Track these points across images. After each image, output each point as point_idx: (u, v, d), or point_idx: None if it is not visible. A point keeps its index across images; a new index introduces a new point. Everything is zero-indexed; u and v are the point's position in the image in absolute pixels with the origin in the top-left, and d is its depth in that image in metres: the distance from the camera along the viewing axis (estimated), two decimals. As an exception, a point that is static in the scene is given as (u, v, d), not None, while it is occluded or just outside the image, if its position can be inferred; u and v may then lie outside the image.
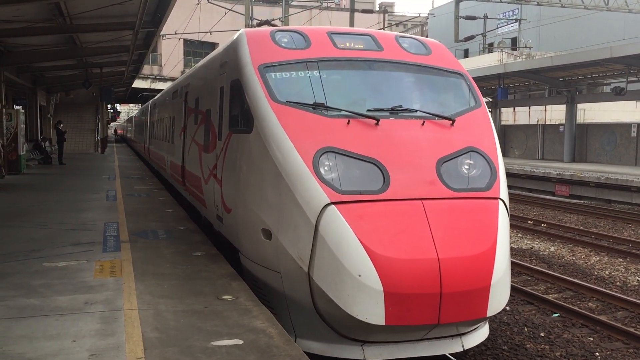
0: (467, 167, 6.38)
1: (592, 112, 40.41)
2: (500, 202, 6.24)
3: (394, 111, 6.69)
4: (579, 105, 34.46)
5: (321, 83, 6.83)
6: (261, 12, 45.75)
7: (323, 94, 6.65)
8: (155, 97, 24.35)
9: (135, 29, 17.22)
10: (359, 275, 5.37)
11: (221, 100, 8.39)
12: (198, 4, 25.21)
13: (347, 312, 5.43)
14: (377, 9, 55.27)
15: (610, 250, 14.20)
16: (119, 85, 40.08)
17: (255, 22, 23.03)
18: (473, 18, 29.01)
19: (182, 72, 50.91)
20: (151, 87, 49.55)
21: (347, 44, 7.34)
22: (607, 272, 12.18)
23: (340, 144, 6.11)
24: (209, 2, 25.49)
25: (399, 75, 7.27)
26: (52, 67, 26.49)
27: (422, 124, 6.59)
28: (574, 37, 49.04)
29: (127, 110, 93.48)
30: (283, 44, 7.16)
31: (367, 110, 6.61)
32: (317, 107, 6.47)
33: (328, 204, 5.69)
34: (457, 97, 7.34)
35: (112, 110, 59.09)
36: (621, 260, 13.29)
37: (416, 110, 6.80)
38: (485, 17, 32.32)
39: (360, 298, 5.38)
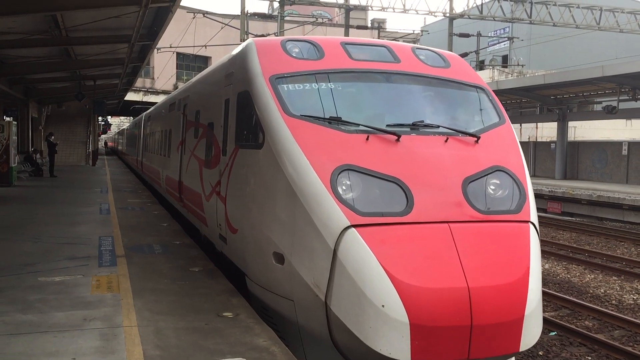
0: (494, 187, 5.94)
1: (583, 130, 40.79)
2: (531, 226, 5.79)
3: (415, 127, 6.25)
4: (570, 123, 34.77)
5: (336, 96, 6.45)
6: (255, 27, 45.83)
7: (339, 108, 6.25)
8: (150, 110, 24.09)
9: (131, 42, 17.19)
10: (383, 306, 4.90)
11: (226, 113, 7.99)
12: (193, 17, 25.27)
13: (369, 346, 4.95)
14: (370, 25, 55.58)
15: (604, 268, 14.24)
16: (111, 97, 39.94)
17: (250, 36, 23.11)
18: (467, 35, 29.26)
19: (175, 85, 50.94)
20: (143, 100, 49.42)
21: (362, 55, 6.97)
22: (602, 290, 12.19)
23: (360, 162, 5.68)
24: (204, 16, 25.57)
25: (418, 89, 6.86)
26: (45, 79, 26.38)
27: (446, 141, 6.15)
28: (564, 56, 49.58)
29: (117, 123, 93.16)
30: (295, 55, 6.79)
31: (387, 125, 6.18)
32: (333, 121, 6.05)
33: (348, 227, 5.24)
34: (480, 112, 6.92)
35: (103, 123, 58.92)
36: (616, 278, 13.32)
37: (438, 126, 6.33)
38: (479, 34, 32.59)
39: (383, 331, 4.90)
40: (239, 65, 7.50)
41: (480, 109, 6.95)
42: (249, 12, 24.95)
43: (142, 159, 23.76)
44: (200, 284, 7.44)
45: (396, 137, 5.97)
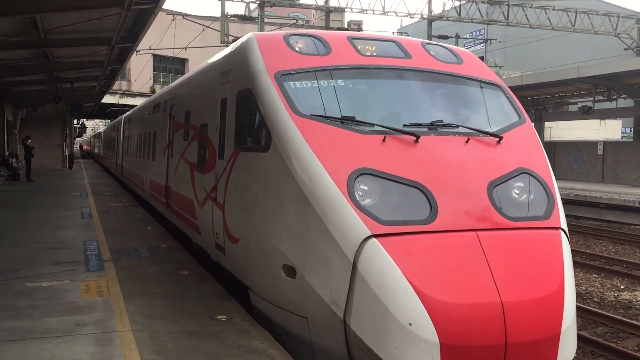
0: (520, 191, 5.54)
1: (558, 130, 41.42)
2: (562, 233, 5.40)
3: (434, 126, 5.83)
4: (546, 124, 35.27)
5: (347, 94, 6.05)
6: (232, 29, 45.69)
7: (351, 107, 5.84)
8: (131, 111, 23.62)
9: (111, 44, 17.04)
10: (410, 324, 4.46)
11: (223, 114, 7.49)
12: (173, 19, 25.13)
13: None
14: (347, 26, 55.71)
15: (584, 266, 14.47)
16: (88, 100, 39.50)
17: (230, 38, 23.05)
18: (445, 37, 29.56)
19: (152, 88, 50.49)
20: (120, 103, 48.90)
21: (371, 51, 6.55)
22: (583, 288, 12.39)
23: (377, 165, 5.23)
24: (184, 18, 25.45)
25: (432, 86, 6.46)
26: (22, 82, 26.00)
27: (467, 142, 5.73)
28: (540, 57, 50.31)
29: (92, 126, 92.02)
30: (299, 50, 6.35)
31: (403, 125, 5.75)
32: (346, 121, 5.61)
33: (368, 237, 4.78)
34: (498, 110, 6.51)
35: (79, 126, 58.19)
36: (596, 276, 13.55)
37: (458, 126, 5.92)
38: (457, 36, 32.97)
39: (410, 351, 4.46)
40: (238, 62, 7.04)
41: (498, 107, 6.56)
42: (228, 14, 24.86)
43: (122, 162, 23.23)
44: (191, 288, 7.41)
45: (415, 138, 5.55)
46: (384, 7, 30.55)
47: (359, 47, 6.54)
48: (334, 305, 4.85)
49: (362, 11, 30.16)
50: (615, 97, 27.66)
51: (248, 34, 7.03)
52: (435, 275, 4.67)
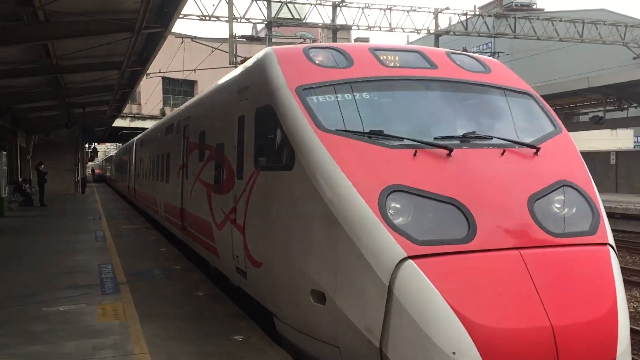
0: (561, 205, 5.20)
1: (570, 141, 41.08)
2: (610, 249, 5.06)
3: (466, 139, 5.52)
4: (557, 135, 35.06)
5: (373, 107, 5.83)
6: (240, 49, 46.09)
7: (377, 121, 5.56)
8: (143, 134, 23.58)
9: (122, 69, 17.22)
10: (454, 353, 4.12)
11: (241, 132, 7.20)
12: (182, 42, 25.40)
13: None
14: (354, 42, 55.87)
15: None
16: (99, 124, 39.85)
17: (239, 59, 23.22)
18: (452, 52, 29.59)
19: (162, 111, 50.87)
20: (130, 126, 49.30)
21: (395, 62, 6.29)
22: (602, 300, 12.23)
23: (409, 181, 4.94)
24: (193, 40, 25.71)
25: (461, 97, 6.19)
26: (34, 108, 26.30)
27: (502, 154, 5.44)
28: (548, 69, 50.19)
29: (103, 150, 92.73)
30: (320, 63, 6.09)
31: (434, 138, 5.43)
32: (374, 135, 5.31)
33: (404, 259, 4.47)
34: (531, 120, 6.21)
35: (90, 150, 58.71)
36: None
37: (491, 137, 5.61)
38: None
39: None
40: (256, 78, 6.81)
41: (532, 117, 6.26)
42: (236, 35, 25.09)
43: (135, 185, 23.09)
44: (206, 308, 7.39)
45: (447, 151, 5.23)
46: (390, 24, 30.69)
47: (381, 58, 6.28)
48: (369, 333, 4.53)
49: (369, 28, 30.31)
50: (626, 106, 27.53)
51: (266, 49, 6.81)
52: (479, 298, 4.33)
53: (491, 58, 7.23)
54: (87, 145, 50.56)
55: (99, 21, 12.58)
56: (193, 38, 26.15)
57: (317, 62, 6.12)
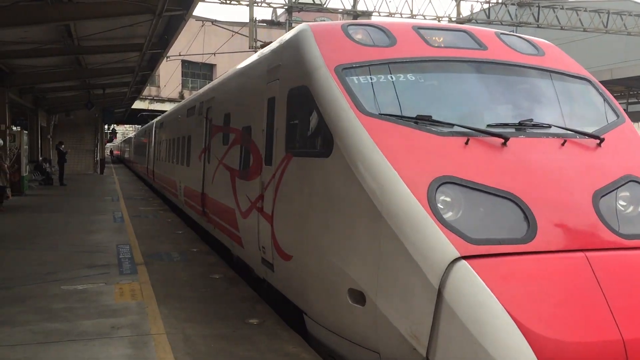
0: (628, 203, 4.69)
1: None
2: None
3: (522, 127, 5.06)
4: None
5: (419, 90, 5.37)
6: (259, 34, 46.01)
7: (424, 105, 5.15)
8: (162, 116, 23.39)
9: (142, 51, 17.28)
10: None
11: (270, 115, 6.75)
12: (202, 25, 25.39)
13: None
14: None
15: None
16: (119, 106, 40.12)
17: (259, 43, 23.18)
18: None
19: (181, 94, 51.06)
20: (149, 108, 49.60)
21: (441, 42, 5.82)
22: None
23: (461, 172, 4.47)
24: (213, 24, 25.71)
25: (514, 80, 5.66)
26: (55, 88, 26.52)
27: (562, 144, 4.96)
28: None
29: (121, 131, 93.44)
30: (360, 41, 5.64)
31: (487, 126, 4.97)
32: (421, 121, 4.87)
33: (457, 259, 3.99)
34: (591, 108, 5.75)
35: (109, 131, 59.16)
36: None
37: (550, 126, 5.12)
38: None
39: None
40: (290, 57, 6.32)
41: (591, 104, 5.77)
42: (256, 19, 25.01)
43: (154, 167, 22.88)
44: (222, 291, 7.45)
45: (502, 140, 4.76)
46: (412, 10, 30.40)
47: (426, 38, 5.80)
48: (415, 340, 4.06)
49: (390, 14, 30.04)
50: (649, 99, 27.12)
51: (301, 25, 6.35)
52: (541, 306, 3.82)
53: (545, 41, 6.65)
54: (106, 127, 50.97)
55: (121, 2, 12.62)
56: (213, 21, 26.14)
57: (356, 40, 5.67)
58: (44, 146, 32.34)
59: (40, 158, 29.18)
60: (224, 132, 9.47)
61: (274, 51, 7.13)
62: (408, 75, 5.37)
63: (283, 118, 6.31)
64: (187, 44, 31.29)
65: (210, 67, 54.10)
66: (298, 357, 5.18)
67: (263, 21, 26.85)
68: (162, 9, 12.53)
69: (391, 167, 4.49)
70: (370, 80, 5.25)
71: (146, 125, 30.93)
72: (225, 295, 7.27)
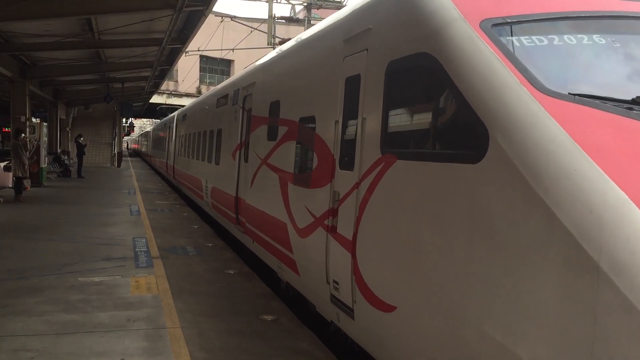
0: None
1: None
2: None
3: None
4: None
5: (615, 59, 3.64)
6: (278, 30, 46.02)
7: (629, 81, 3.45)
8: (186, 107, 21.97)
9: (162, 45, 17.37)
10: None
11: (349, 100, 5.04)
12: (221, 21, 25.51)
13: None
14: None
15: None
16: (137, 100, 40.40)
17: (277, 40, 23.22)
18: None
19: (198, 89, 51.31)
20: (167, 103, 49.94)
21: None
22: None
23: None
24: (232, 20, 25.77)
25: None
26: (74, 81, 26.77)
27: None
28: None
29: (139, 125, 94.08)
30: None
31: None
32: (637, 104, 3.16)
33: None
34: None
35: (127, 125, 59.64)
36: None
37: None
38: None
39: None
40: (389, 13, 4.58)
41: None
42: (275, 16, 25.04)
43: (174, 163, 21.35)
44: (237, 287, 7.48)
45: None
46: None
47: None
48: None
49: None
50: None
51: None
52: None
53: None
54: (124, 120, 51.41)
55: (142, -3, 12.71)
56: (232, 17, 26.20)
57: None
58: (62, 138, 32.68)
59: (59, 150, 29.50)
60: (269, 125, 7.79)
61: (357, 12, 5.31)
62: (594, 36, 3.67)
63: (376, 104, 4.53)
64: (205, 39, 31.43)
65: (228, 63, 54.23)
66: (312, 354, 5.19)
67: (282, 18, 26.89)
68: (183, 4, 12.58)
69: (609, 181, 2.71)
70: (537, 44, 3.57)
71: (167, 117, 30.54)
72: (240, 290, 7.30)
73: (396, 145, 4.32)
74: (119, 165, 39.06)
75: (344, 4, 28.34)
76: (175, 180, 21.33)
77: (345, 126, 5.14)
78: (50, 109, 28.84)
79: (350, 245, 4.72)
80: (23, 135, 17.66)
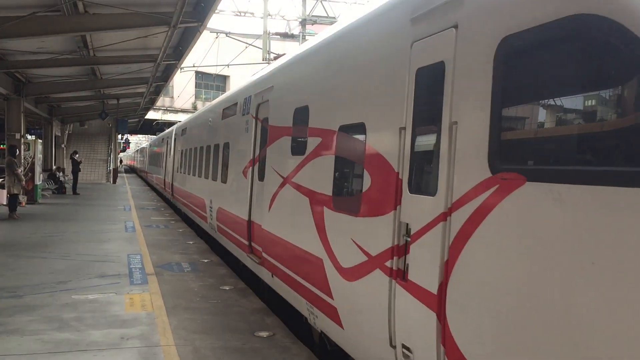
0: None
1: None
2: None
3: None
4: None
5: None
6: (272, 46, 46.21)
7: None
8: (186, 120, 20.69)
9: (157, 62, 17.41)
10: None
11: (421, 100, 3.91)
12: (216, 37, 25.62)
13: None
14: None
15: None
16: (132, 116, 40.42)
17: (272, 55, 23.31)
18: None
19: (194, 105, 51.37)
20: (162, 119, 50.00)
21: None
22: None
23: None
24: (227, 36, 25.89)
25: None
26: (70, 98, 26.76)
27: None
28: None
29: (134, 141, 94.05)
30: None
31: None
32: None
33: None
34: None
35: (123, 141, 59.69)
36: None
37: None
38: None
39: None
40: None
41: None
42: (270, 32, 25.15)
43: (173, 181, 20.07)
44: (232, 303, 7.42)
45: None
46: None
47: None
48: None
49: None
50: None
51: None
52: None
53: None
54: (119, 136, 51.39)
55: (137, 14, 12.73)
56: (227, 33, 26.33)
57: None
58: (58, 155, 32.62)
59: (54, 167, 29.41)
60: (294, 136, 6.60)
61: None
62: None
63: (480, 101, 3.26)
64: (201, 55, 31.53)
65: (224, 79, 54.40)
66: (308, 371, 5.14)
67: (277, 34, 27.01)
68: (177, 20, 12.62)
69: None
70: None
71: (164, 132, 29.75)
72: (235, 307, 7.25)
73: (523, 159, 3.02)
74: (114, 182, 38.97)
75: (337, 19, 28.53)
76: (174, 199, 19.82)
77: (417, 134, 3.92)
78: (45, 126, 28.82)
79: (435, 301, 3.48)
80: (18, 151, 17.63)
